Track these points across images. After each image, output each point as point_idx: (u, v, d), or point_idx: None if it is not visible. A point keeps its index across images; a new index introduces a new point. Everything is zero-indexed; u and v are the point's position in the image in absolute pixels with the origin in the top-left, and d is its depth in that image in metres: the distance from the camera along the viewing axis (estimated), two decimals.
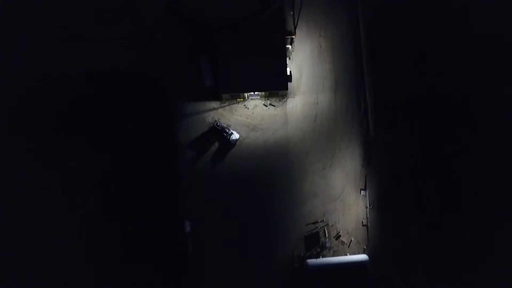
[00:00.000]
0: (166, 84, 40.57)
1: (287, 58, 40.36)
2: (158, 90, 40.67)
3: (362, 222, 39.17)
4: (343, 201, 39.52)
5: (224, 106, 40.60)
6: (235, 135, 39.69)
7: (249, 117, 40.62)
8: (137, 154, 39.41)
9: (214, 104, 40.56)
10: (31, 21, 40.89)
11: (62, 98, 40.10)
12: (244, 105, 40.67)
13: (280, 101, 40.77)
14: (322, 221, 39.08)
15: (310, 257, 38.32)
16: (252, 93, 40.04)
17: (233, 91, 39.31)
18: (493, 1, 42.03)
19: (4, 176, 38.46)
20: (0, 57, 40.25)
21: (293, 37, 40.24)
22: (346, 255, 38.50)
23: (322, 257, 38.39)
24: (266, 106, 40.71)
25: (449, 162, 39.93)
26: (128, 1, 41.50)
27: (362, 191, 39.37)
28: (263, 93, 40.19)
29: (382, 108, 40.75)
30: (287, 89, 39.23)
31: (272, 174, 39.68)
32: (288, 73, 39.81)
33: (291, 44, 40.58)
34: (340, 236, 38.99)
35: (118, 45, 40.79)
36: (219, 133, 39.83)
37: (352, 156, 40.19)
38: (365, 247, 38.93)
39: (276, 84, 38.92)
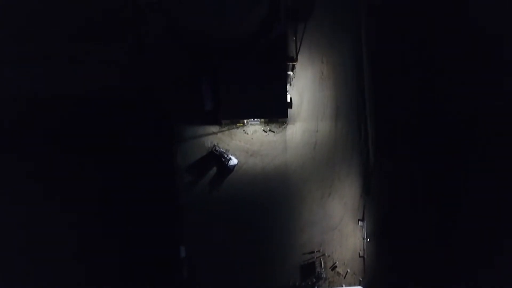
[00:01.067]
0: (165, 107, 40.42)
1: (288, 84, 40.16)
2: (157, 113, 40.60)
3: (359, 253, 38.84)
4: (341, 231, 39.22)
5: (224, 131, 40.31)
6: (234, 161, 39.43)
7: (248, 142, 40.34)
8: (135, 176, 39.36)
9: (214, 129, 40.27)
10: (29, 38, 40.94)
11: (59, 119, 39.77)
12: (244, 130, 40.37)
13: (280, 127, 40.46)
14: (319, 251, 38.79)
15: (306, 287, 38.16)
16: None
17: (233, 117, 39.05)
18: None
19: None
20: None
21: (295, 63, 39.92)
22: (342, 286, 38.22)
23: (318, 287, 38.20)
24: (266, 132, 40.41)
25: (451, 194, 39.60)
26: (128, 22, 41.38)
27: (360, 222, 39.04)
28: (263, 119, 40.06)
29: (383, 137, 40.45)
30: (286, 117, 38.93)
31: (270, 201, 39.41)
32: (289, 100, 39.52)
33: (292, 71, 40.27)
34: (336, 266, 38.68)
35: (117, 66, 40.66)
36: (217, 158, 39.66)
37: (351, 185, 39.88)
38: (361, 279, 38.60)
39: (276, 112, 38.64)
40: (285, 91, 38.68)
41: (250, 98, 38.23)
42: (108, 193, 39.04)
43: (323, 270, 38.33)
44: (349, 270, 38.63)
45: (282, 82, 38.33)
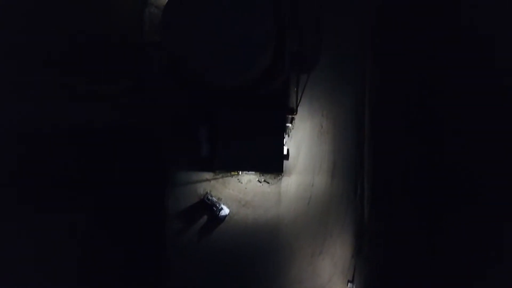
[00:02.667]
0: (160, 149, 39.78)
1: (286, 135, 39.49)
2: (152, 154, 40.00)
3: None
4: None
5: (217, 178, 39.59)
6: (225, 211, 38.63)
7: (241, 192, 39.55)
8: (124, 220, 38.65)
9: (208, 175, 39.49)
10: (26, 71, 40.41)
11: (55, 155, 39.02)
12: (238, 179, 39.58)
13: (275, 178, 39.70)
14: None
15: None
16: None
17: (228, 169, 38.38)
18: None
19: None
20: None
21: (294, 116, 39.22)
22: None
23: None
24: (260, 182, 39.65)
25: (449, 259, 38.69)
26: (129, 59, 40.82)
27: (349, 283, 38.20)
28: None
29: (379, 196, 39.71)
30: (282, 171, 38.17)
31: (259, 255, 38.57)
32: (286, 152, 38.78)
33: (291, 123, 39.59)
34: None
35: (115, 104, 40.02)
36: (209, 207, 38.86)
37: (343, 244, 39.04)
38: None
39: (271, 167, 37.86)
40: (282, 146, 37.95)
41: (246, 150, 37.47)
42: (90, 230, 38.36)
43: None
44: None
45: (280, 137, 37.61)
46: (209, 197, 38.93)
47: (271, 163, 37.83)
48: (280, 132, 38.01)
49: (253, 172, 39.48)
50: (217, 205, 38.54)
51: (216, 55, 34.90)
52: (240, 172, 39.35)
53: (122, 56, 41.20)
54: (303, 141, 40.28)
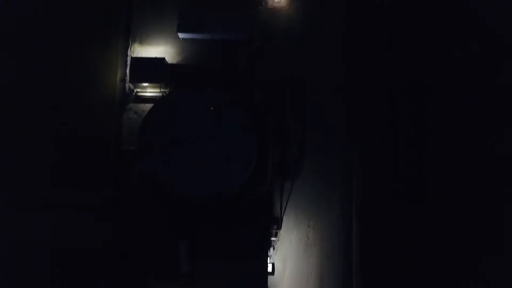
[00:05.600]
0: (138, 264, 37.61)
1: (272, 248, 37.68)
2: (128, 268, 37.77)
3: None
4: None
5: None
6: None
7: None
8: None
9: None
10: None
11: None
12: None
13: None
14: None
15: None
16: None
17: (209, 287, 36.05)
18: None
19: None
20: None
21: (278, 231, 37.63)
22: None
23: None
24: None
25: None
26: (107, 169, 39.69)
27: None
28: None
29: None
30: None
31: None
32: (271, 268, 36.79)
33: (276, 236, 37.89)
34: None
35: (90, 214, 38.39)
36: None
37: None
38: None
39: (255, 286, 35.60)
40: (266, 265, 35.93)
41: (228, 268, 35.30)
42: None
43: None
44: None
45: (262, 256, 35.67)
46: None
47: (254, 281, 35.58)
48: (263, 250, 35.97)
49: None
50: None
51: (197, 174, 33.66)
52: None
53: (103, 162, 40.32)
54: (289, 254, 38.29)
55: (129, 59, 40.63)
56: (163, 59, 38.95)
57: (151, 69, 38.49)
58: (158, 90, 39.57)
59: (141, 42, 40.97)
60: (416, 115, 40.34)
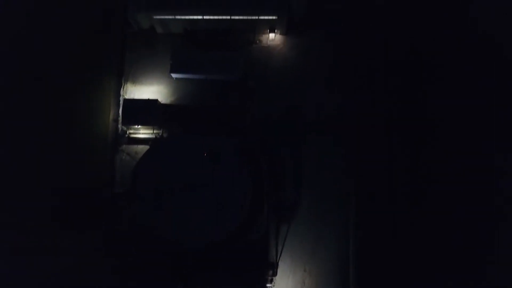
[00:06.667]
0: None
1: None
2: None
3: None
4: None
5: None
6: None
7: None
8: None
9: None
10: None
11: None
12: None
13: None
14: None
15: None
16: None
17: None
18: None
19: None
20: None
21: (274, 277, 36.71)
22: None
23: None
24: None
25: None
26: (99, 212, 39.01)
27: None
28: None
29: None
30: None
31: None
32: None
33: (271, 283, 36.94)
34: None
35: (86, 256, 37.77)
36: None
37: None
38: None
39: None
40: None
41: None
42: None
43: None
44: None
45: None
46: None
47: None
48: None
49: None
50: None
51: (189, 221, 32.81)
52: None
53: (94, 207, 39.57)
54: None
55: (121, 99, 40.17)
56: (156, 100, 38.31)
57: (143, 111, 37.83)
58: (151, 132, 38.90)
59: (134, 82, 40.41)
60: (413, 155, 39.70)
